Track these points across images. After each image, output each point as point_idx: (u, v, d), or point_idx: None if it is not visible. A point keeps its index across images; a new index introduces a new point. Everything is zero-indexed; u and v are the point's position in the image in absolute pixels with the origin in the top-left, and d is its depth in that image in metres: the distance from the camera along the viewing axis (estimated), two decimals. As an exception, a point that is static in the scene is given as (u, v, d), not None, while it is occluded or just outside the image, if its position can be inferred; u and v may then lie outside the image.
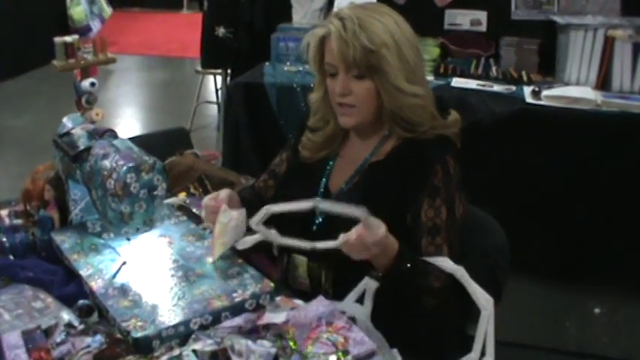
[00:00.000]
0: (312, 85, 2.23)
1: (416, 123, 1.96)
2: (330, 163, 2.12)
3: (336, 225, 1.76)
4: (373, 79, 1.91)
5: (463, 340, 1.93)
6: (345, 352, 1.50)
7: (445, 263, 1.78)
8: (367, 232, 1.70)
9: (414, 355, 1.71)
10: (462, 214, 1.96)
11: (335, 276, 2.00)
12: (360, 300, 1.82)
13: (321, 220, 2.04)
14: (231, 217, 1.90)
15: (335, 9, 4.25)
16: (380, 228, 1.72)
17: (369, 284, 1.81)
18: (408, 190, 1.94)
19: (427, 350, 1.84)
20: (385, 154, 2.02)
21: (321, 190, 2.08)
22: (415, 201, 1.92)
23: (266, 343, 1.58)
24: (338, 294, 1.88)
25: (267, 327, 1.62)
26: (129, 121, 6.94)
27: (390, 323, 1.75)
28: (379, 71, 1.89)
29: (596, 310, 3.67)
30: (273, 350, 1.54)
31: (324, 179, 2.10)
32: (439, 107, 2.02)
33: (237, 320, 1.65)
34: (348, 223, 1.71)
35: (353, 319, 1.65)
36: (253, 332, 1.60)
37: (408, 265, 1.81)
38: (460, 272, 1.75)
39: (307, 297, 1.75)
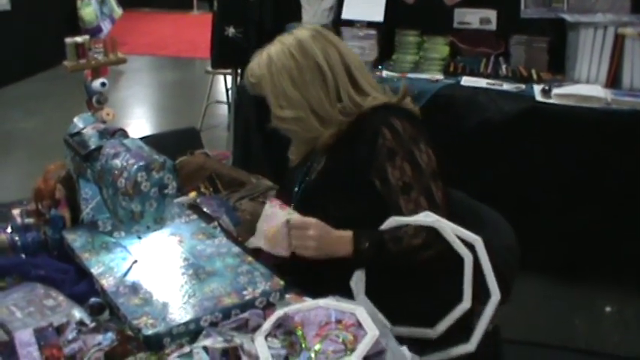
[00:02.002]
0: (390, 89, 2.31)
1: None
2: (314, 158, 2.26)
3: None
4: None
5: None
6: (354, 350, 1.51)
7: (424, 218, 1.90)
8: (300, 231, 1.92)
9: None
10: (428, 161, 2.04)
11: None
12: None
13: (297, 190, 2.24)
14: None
15: (345, 8, 4.29)
16: (313, 225, 1.93)
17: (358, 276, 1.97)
18: (363, 158, 2.04)
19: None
20: (334, 138, 2.14)
21: (299, 182, 2.26)
22: (376, 168, 2.02)
23: (276, 341, 1.59)
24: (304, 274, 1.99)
25: (278, 325, 1.63)
26: (139, 122, 6.96)
27: (391, 301, 1.92)
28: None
29: (606, 309, 3.67)
30: (284, 352, 1.55)
31: (302, 173, 2.27)
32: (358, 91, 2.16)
33: (244, 315, 1.67)
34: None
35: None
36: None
37: (367, 243, 1.94)
38: (438, 224, 1.89)
39: (317, 296, 1.76)
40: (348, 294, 1.88)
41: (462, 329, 1.96)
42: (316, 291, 1.74)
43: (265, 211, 1.96)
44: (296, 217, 1.94)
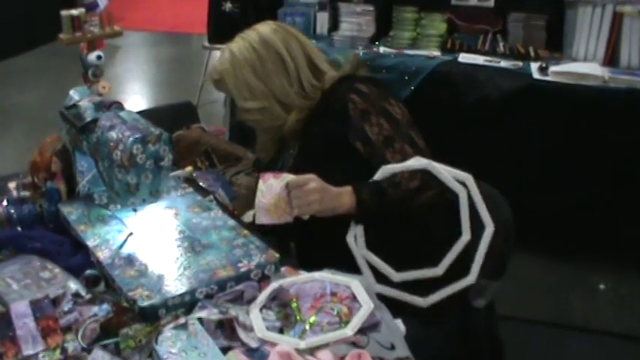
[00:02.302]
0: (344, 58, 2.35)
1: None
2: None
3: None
4: None
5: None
6: (349, 322, 1.51)
7: (415, 162, 1.94)
8: (298, 189, 1.90)
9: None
10: (402, 113, 2.10)
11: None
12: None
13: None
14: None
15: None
16: (310, 178, 1.91)
17: (357, 231, 1.99)
18: (339, 128, 2.07)
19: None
20: (301, 123, 2.18)
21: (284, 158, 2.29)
22: (354, 132, 2.05)
23: (271, 313, 1.60)
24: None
25: (273, 297, 1.64)
26: (136, 97, 6.93)
27: (392, 250, 1.98)
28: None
29: (601, 286, 3.68)
30: (278, 324, 1.56)
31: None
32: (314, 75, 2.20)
33: (239, 287, 1.68)
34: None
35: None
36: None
37: (368, 192, 1.95)
38: (430, 166, 1.93)
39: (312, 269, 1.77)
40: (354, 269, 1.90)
41: (462, 266, 2.01)
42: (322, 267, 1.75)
43: (260, 187, 1.95)
44: (293, 176, 1.93)
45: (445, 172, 1.94)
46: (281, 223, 1.93)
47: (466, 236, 1.95)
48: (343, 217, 1.95)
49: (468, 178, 1.97)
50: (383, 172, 1.95)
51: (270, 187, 1.92)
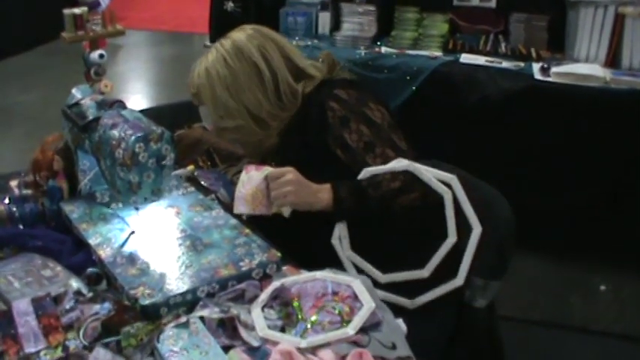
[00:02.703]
0: (320, 60, 2.30)
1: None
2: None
3: None
4: None
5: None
6: (351, 322, 1.51)
7: (397, 164, 1.92)
8: (275, 181, 1.90)
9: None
10: (382, 116, 2.07)
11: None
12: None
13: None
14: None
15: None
16: (287, 170, 1.91)
17: (341, 232, 1.98)
18: (318, 137, 2.05)
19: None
20: (286, 123, 2.17)
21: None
22: (333, 139, 2.03)
23: (272, 312, 1.60)
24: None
25: (275, 296, 1.64)
26: (137, 96, 6.94)
27: (378, 252, 1.97)
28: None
29: (601, 287, 3.68)
30: (280, 323, 1.56)
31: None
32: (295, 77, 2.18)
33: (240, 285, 1.68)
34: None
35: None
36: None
37: (346, 191, 1.94)
38: (412, 167, 1.91)
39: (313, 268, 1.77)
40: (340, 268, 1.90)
41: (450, 268, 2.00)
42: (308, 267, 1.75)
43: (242, 178, 1.96)
44: (273, 169, 1.93)
45: (428, 174, 1.93)
46: (257, 214, 1.94)
47: (452, 238, 1.94)
48: (328, 217, 1.96)
49: (452, 179, 1.95)
50: (364, 173, 1.94)
51: (251, 178, 1.93)
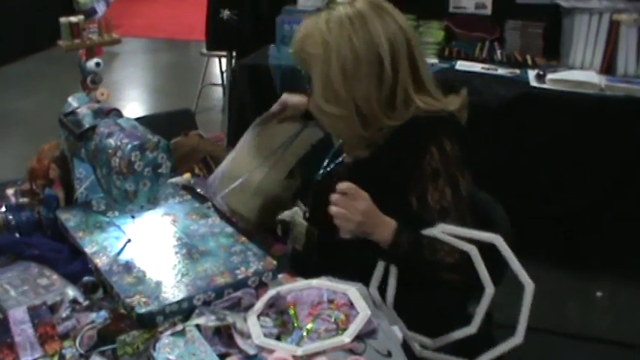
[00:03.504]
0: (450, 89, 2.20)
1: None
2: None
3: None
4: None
5: (464, 317, 1.98)
6: (346, 329, 1.52)
7: (461, 243, 1.80)
8: (348, 200, 1.76)
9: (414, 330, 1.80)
10: (467, 189, 1.94)
11: (326, 242, 2.04)
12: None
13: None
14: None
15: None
16: (364, 197, 1.78)
17: (391, 269, 1.87)
18: (404, 171, 1.92)
19: (429, 327, 1.90)
20: (385, 138, 2.00)
21: (327, 160, 2.17)
22: (416, 185, 1.91)
23: (268, 320, 1.60)
24: (325, 260, 2.00)
25: (271, 304, 1.64)
26: (134, 104, 6.95)
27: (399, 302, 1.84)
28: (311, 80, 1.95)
29: (598, 294, 3.69)
30: (276, 331, 1.57)
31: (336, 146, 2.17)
32: (441, 86, 2.03)
33: (236, 293, 1.68)
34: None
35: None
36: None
37: (407, 239, 1.82)
38: (474, 252, 1.78)
39: (309, 274, 1.77)
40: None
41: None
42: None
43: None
44: (348, 184, 1.79)
45: (482, 266, 1.80)
46: None
47: (490, 289, 1.82)
48: (371, 248, 1.86)
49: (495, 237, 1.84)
50: (431, 230, 1.84)
51: None
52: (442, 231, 1.81)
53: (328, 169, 2.15)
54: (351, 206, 1.76)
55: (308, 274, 1.76)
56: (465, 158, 1.94)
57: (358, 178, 1.91)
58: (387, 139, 1.96)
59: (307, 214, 2.16)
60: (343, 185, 1.77)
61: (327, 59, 1.87)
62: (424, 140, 1.89)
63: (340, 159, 2.14)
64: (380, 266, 1.87)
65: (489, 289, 1.80)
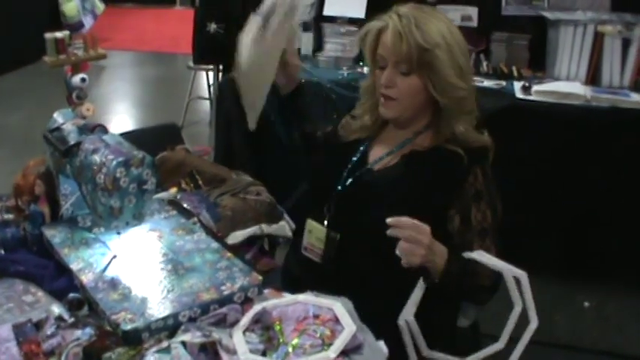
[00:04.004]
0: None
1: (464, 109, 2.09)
2: (365, 144, 2.22)
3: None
4: (421, 76, 2.02)
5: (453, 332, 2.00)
6: (332, 345, 1.51)
7: (508, 266, 1.84)
8: (413, 234, 1.80)
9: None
10: (501, 212, 2.07)
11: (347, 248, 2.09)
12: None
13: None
14: None
15: (326, 4, 4.29)
16: (426, 232, 1.83)
17: (418, 290, 1.89)
18: (447, 184, 2.03)
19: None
20: (425, 148, 2.11)
21: (352, 162, 2.18)
22: (460, 204, 2.01)
23: (254, 336, 1.60)
24: (342, 270, 2.05)
25: (256, 320, 1.64)
26: (121, 117, 6.94)
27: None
28: (431, 68, 2.01)
29: (585, 304, 3.70)
30: (261, 347, 1.56)
31: (358, 154, 2.19)
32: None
33: (222, 310, 1.68)
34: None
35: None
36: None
37: (457, 267, 1.91)
38: (523, 278, 1.82)
39: (299, 285, 1.77)
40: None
41: None
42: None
43: None
44: (412, 220, 1.83)
45: (514, 285, 1.84)
46: None
47: (518, 307, 1.86)
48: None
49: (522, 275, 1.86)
50: (478, 254, 1.87)
51: None
52: (480, 257, 1.87)
53: (351, 178, 2.16)
54: (416, 241, 1.81)
55: (299, 289, 1.76)
56: (498, 187, 2.08)
57: (394, 185, 2.06)
58: (441, 148, 2.08)
59: (327, 221, 2.16)
60: (408, 221, 1.81)
61: (450, 43, 2.01)
62: (470, 160, 2.03)
63: (367, 167, 2.17)
64: (419, 290, 1.89)
65: (518, 307, 1.86)
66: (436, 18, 2.05)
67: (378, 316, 1.65)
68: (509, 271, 1.82)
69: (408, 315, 1.86)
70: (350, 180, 2.15)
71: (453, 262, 1.90)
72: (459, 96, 2.04)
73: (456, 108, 2.06)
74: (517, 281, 1.83)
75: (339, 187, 2.15)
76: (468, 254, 1.88)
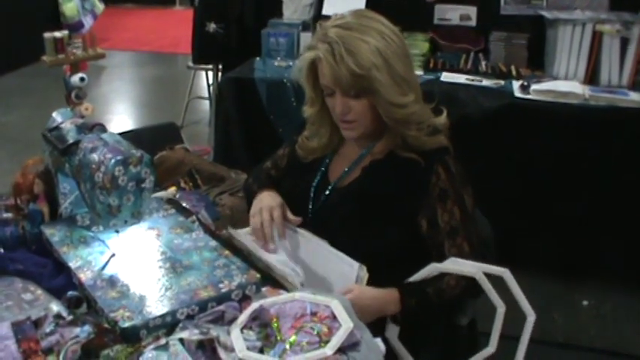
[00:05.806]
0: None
1: (412, 123, 1.99)
2: (327, 160, 2.18)
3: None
4: (368, 97, 1.94)
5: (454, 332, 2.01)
6: (329, 342, 1.52)
7: (470, 268, 1.85)
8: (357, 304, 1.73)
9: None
10: (472, 205, 2.03)
11: None
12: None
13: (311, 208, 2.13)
14: None
15: (325, 3, 4.29)
16: (366, 295, 1.86)
17: (391, 330, 1.92)
18: (411, 190, 1.99)
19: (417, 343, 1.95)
20: (384, 154, 2.06)
21: (314, 185, 2.14)
22: (425, 207, 1.97)
23: (251, 333, 1.60)
24: None
25: (254, 317, 1.64)
26: (121, 117, 6.94)
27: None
28: (372, 92, 1.92)
29: (583, 303, 3.70)
30: (259, 344, 1.57)
31: (318, 175, 2.15)
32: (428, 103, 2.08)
33: (220, 307, 1.68)
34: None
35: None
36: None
37: (414, 301, 1.91)
38: (479, 275, 1.84)
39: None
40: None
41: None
42: None
43: None
44: (349, 295, 1.80)
45: (491, 288, 1.84)
46: None
47: (501, 308, 1.87)
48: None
49: (504, 272, 1.88)
50: (431, 269, 1.89)
51: None
52: (452, 264, 1.88)
53: (317, 201, 2.14)
54: (360, 308, 1.74)
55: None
56: (469, 176, 2.02)
57: (360, 200, 2.02)
58: (398, 152, 2.02)
59: None
60: (347, 300, 1.73)
61: (386, 59, 1.90)
62: (430, 159, 1.97)
63: (330, 186, 2.13)
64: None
65: (501, 308, 1.86)
66: (367, 31, 1.92)
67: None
68: (487, 271, 1.84)
69: (391, 334, 1.92)
70: (318, 204, 2.13)
71: (408, 297, 1.90)
72: (406, 113, 1.96)
73: (404, 124, 1.98)
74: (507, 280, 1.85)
75: (310, 214, 2.13)
76: (437, 267, 1.88)
